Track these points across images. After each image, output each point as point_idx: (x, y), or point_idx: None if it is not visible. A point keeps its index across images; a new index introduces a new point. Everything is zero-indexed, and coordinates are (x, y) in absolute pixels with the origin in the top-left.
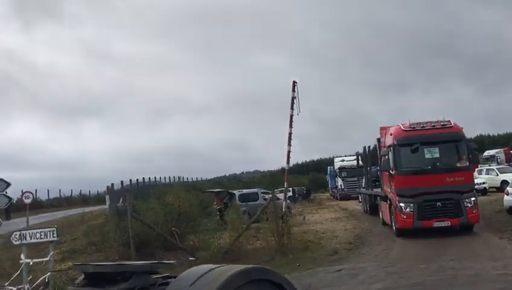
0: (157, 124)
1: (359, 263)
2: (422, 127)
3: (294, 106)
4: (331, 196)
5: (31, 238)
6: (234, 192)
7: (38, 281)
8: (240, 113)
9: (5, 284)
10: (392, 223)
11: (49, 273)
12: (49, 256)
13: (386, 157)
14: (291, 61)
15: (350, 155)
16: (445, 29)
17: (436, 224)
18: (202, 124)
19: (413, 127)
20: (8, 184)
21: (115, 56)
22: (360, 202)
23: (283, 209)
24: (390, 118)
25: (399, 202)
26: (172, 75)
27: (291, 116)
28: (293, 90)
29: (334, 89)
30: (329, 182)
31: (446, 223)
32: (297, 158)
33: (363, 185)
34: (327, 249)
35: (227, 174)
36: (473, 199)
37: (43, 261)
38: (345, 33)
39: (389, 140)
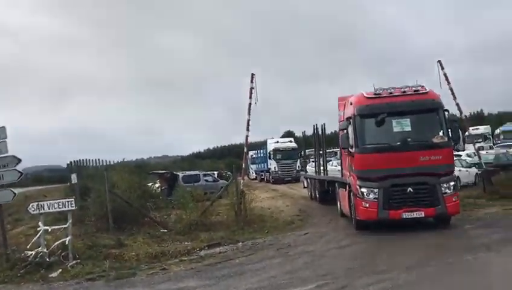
0: (58, 104)
1: (318, 229)
2: (390, 93)
3: (253, 95)
4: (255, 179)
5: (49, 209)
6: (178, 173)
7: (55, 244)
8: (147, 95)
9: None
10: (351, 214)
11: (69, 238)
12: (68, 223)
13: (345, 131)
14: (202, 44)
15: (270, 138)
16: (352, 23)
17: (406, 215)
18: (107, 106)
19: (379, 94)
20: (19, 160)
21: (10, 29)
22: (305, 187)
23: (241, 187)
24: (301, 107)
25: (360, 187)
26: (75, 53)
27: (250, 104)
28: (252, 82)
29: (245, 74)
30: (253, 165)
31: (419, 214)
32: (208, 144)
33: (308, 168)
34: (282, 220)
35: (133, 159)
36: (452, 183)
37: (61, 228)
38: (255, 18)
39: (349, 111)
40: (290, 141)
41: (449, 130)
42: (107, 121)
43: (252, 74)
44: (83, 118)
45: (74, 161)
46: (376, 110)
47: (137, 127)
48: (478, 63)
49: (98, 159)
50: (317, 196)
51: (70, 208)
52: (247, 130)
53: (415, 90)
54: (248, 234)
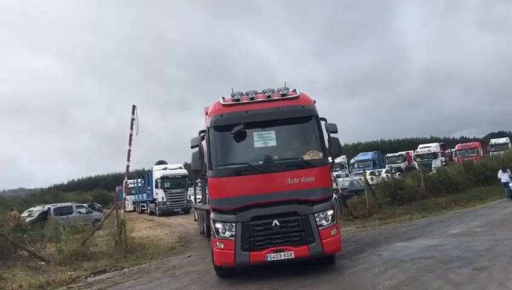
0: None
1: (200, 252)
2: (252, 98)
3: (134, 126)
4: (133, 211)
5: None
6: (49, 206)
7: None
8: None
9: None
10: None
11: None
12: None
13: (197, 149)
14: (67, 68)
15: (161, 163)
16: (223, 54)
17: (272, 256)
18: None
19: (237, 100)
20: None
21: None
22: (196, 220)
23: (122, 217)
24: (172, 135)
25: (214, 222)
26: None
27: (131, 135)
28: (133, 113)
29: (114, 101)
30: (129, 196)
31: (287, 255)
32: (72, 175)
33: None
34: (164, 247)
35: None
36: (330, 212)
37: None
38: (128, 46)
39: (205, 123)
40: (180, 168)
41: (327, 143)
42: None
43: (134, 106)
44: None
45: None
46: (233, 120)
47: None
48: (337, 97)
49: None
50: (205, 229)
51: None
52: (128, 160)
53: (282, 95)
54: (132, 261)
